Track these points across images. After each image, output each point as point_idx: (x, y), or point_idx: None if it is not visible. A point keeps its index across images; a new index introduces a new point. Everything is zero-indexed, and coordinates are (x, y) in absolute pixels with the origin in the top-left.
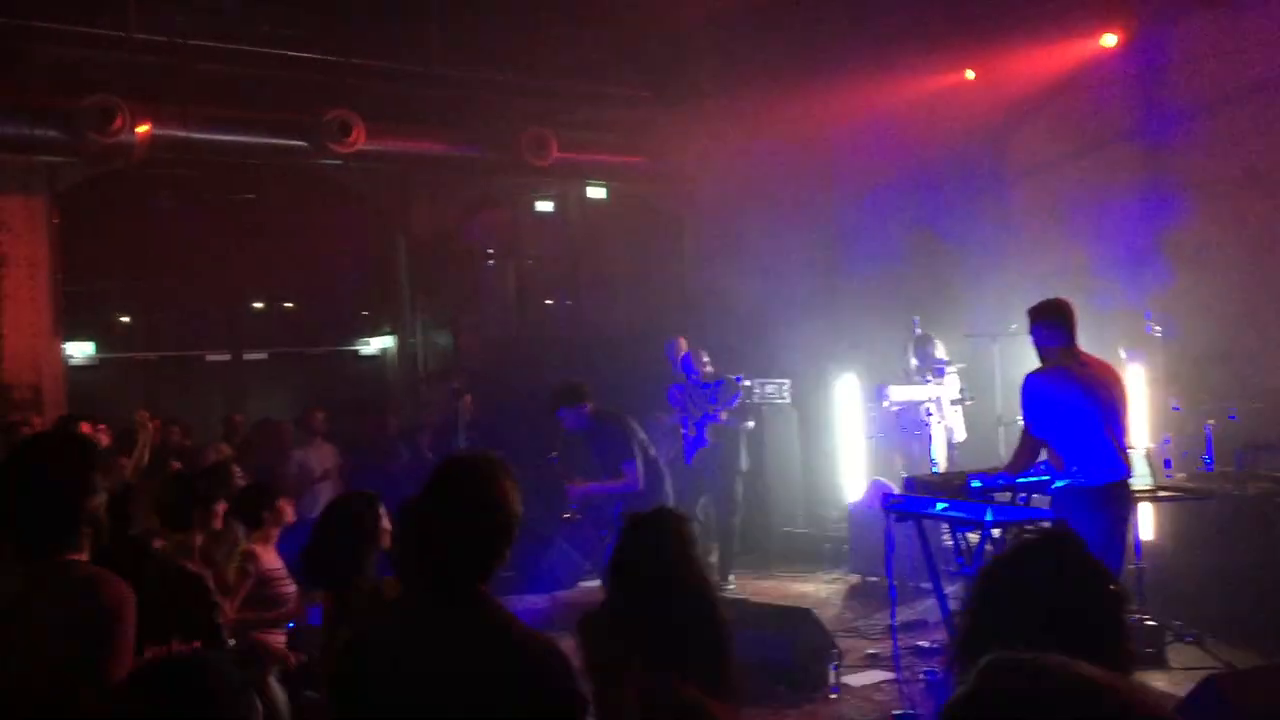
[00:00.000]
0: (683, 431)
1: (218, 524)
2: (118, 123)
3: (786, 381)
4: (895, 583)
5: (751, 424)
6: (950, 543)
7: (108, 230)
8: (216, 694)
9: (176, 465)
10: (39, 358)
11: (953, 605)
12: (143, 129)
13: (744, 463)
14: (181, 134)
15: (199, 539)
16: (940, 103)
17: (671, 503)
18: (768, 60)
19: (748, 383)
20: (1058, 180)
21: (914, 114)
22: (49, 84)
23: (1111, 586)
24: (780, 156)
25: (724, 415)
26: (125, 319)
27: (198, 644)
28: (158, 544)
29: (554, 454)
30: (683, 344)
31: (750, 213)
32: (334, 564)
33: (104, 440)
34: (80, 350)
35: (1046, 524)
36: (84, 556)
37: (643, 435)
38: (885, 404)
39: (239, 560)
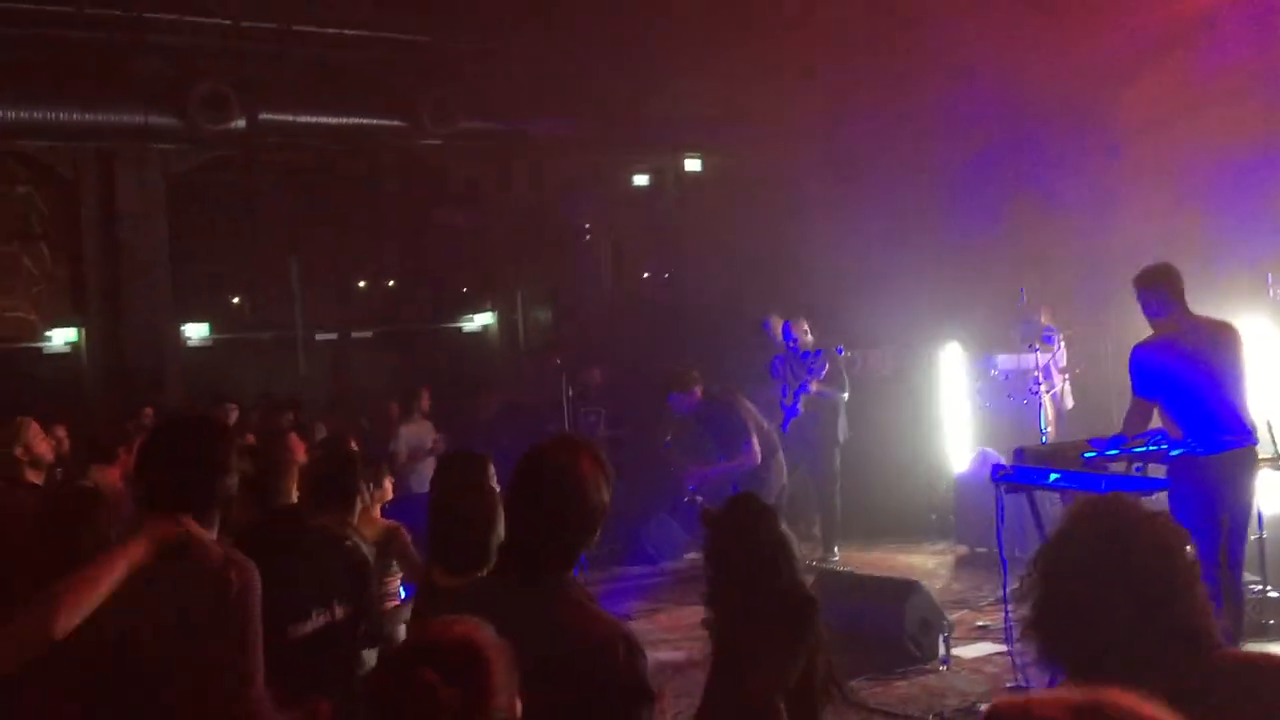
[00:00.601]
0: (780, 401)
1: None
2: (227, 109)
3: (889, 351)
4: (1006, 554)
5: (846, 395)
6: None
7: (219, 214)
8: (492, 666)
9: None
10: (158, 338)
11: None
12: (250, 114)
13: (842, 434)
14: (287, 118)
15: (351, 519)
16: (1045, 58)
17: (784, 476)
18: (864, 21)
19: (849, 354)
20: (1170, 138)
21: (1018, 71)
22: (162, 74)
23: (1185, 550)
24: (879, 121)
25: (814, 386)
26: (236, 300)
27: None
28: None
29: (668, 439)
30: (777, 320)
31: (849, 180)
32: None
33: (233, 418)
34: (196, 331)
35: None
36: (214, 534)
37: (755, 411)
38: (992, 373)
39: (389, 537)
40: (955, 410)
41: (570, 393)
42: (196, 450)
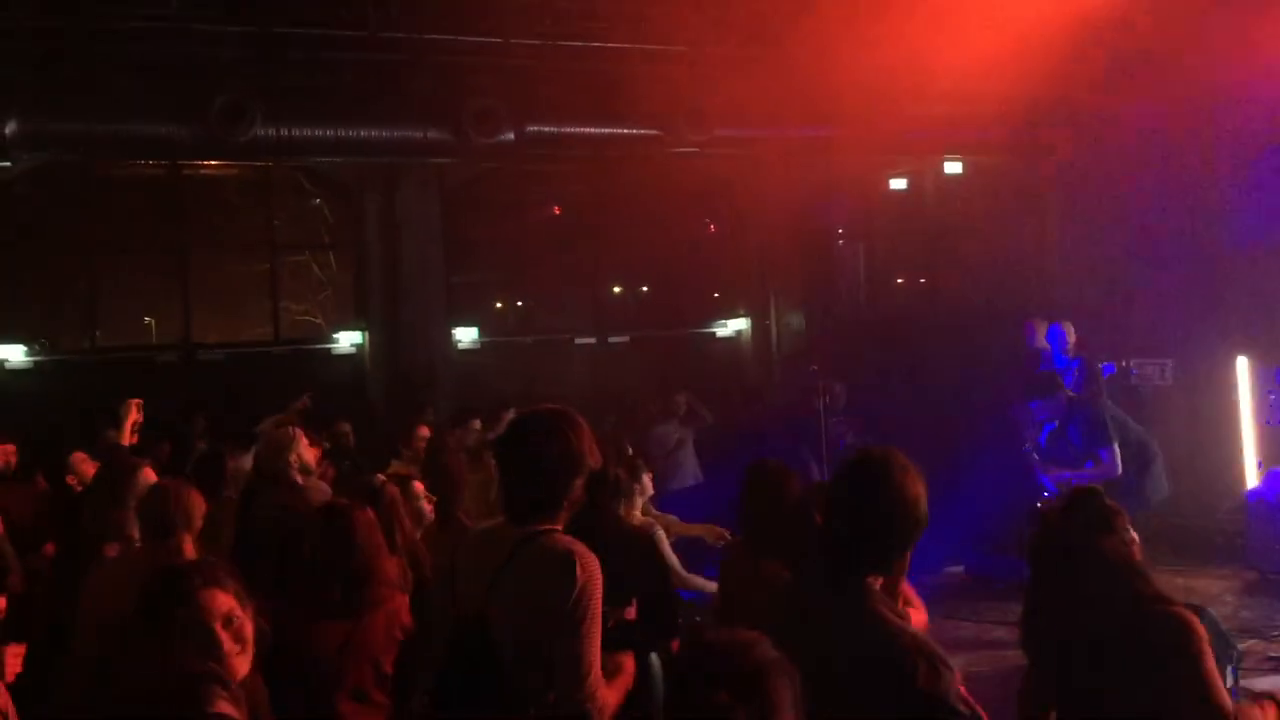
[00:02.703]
0: (1036, 414)
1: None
2: (497, 123)
3: (1168, 362)
4: None
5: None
6: None
7: (486, 222)
8: (779, 686)
9: None
10: (433, 342)
11: None
12: (518, 127)
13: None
14: (551, 130)
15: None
16: None
17: (1165, 488)
18: (1140, 14)
19: (1123, 364)
20: None
21: None
22: (438, 91)
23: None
24: (1157, 119)
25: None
26: (499, 305)
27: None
28: None
29: (1026, 445)
30: (1041, 324)
31: (1123, 182)
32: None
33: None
34: (466, 335)
35: None
36: (559, 528)
37: (1123, 419)
38: None
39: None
40: (1243, 426)
41: (826, 400)
42: (551, 449)
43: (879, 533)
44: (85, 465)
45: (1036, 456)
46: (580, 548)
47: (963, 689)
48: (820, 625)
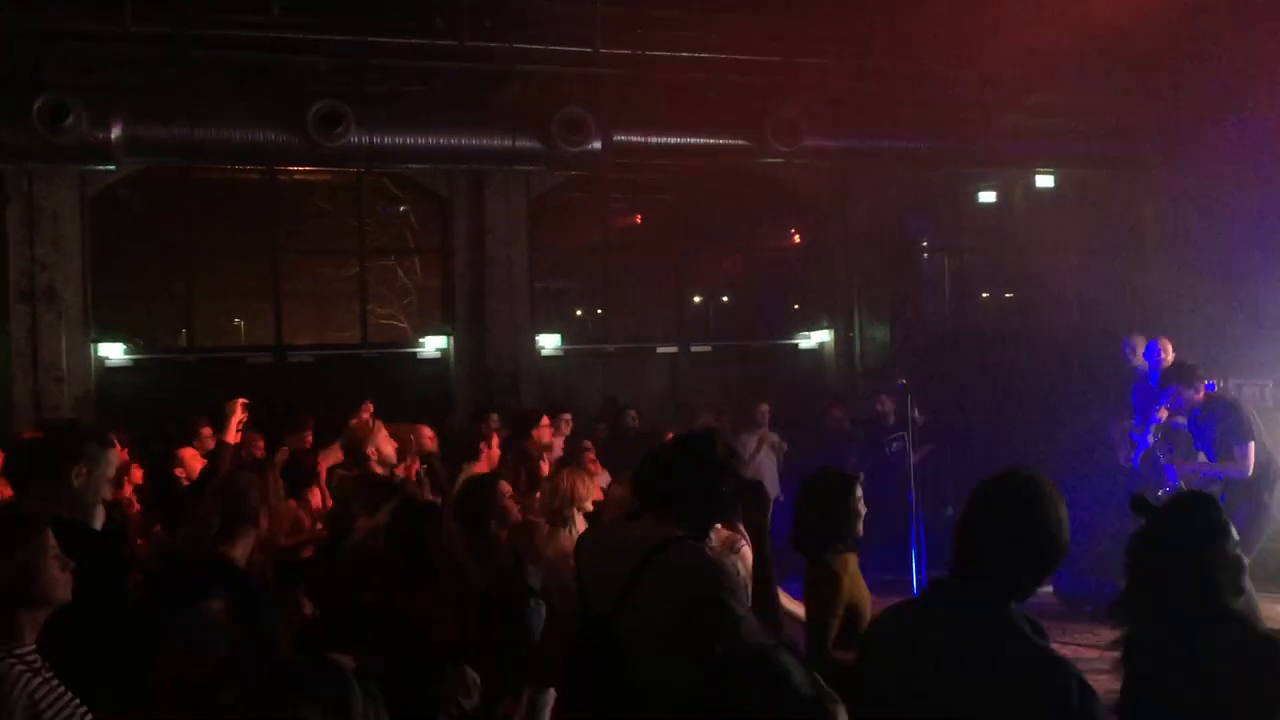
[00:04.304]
0: (1132, 432)
1: None
2: (584, 132)
3: (1269, 383)
4: None
5: None
6: None
7: (571, 230)
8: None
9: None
10: (517, 348)
11: None
12: (605, 136)
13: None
14: (639, 139)
15: None
16: None
17: None
18: (1246, 24)
19: (1221, 384)
20: None
21: None
22: (527, 99)
23: None
24: (1255, 135)
25: (1163, 414)
26: (579, 312)
27: None
28: None
29: (1149, 435)
30: (1140, 340)
31: (1220, 199)
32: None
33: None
34: (549, 342)
35: None
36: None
37: (1260, 424)
38: None
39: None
40: None
41: (915, 413)
42: (694, 466)
43: (1027, 557)
44: (194, 461)
45: (1160, 456)
46: (710, 550)
47: None
48: (963, 645)
